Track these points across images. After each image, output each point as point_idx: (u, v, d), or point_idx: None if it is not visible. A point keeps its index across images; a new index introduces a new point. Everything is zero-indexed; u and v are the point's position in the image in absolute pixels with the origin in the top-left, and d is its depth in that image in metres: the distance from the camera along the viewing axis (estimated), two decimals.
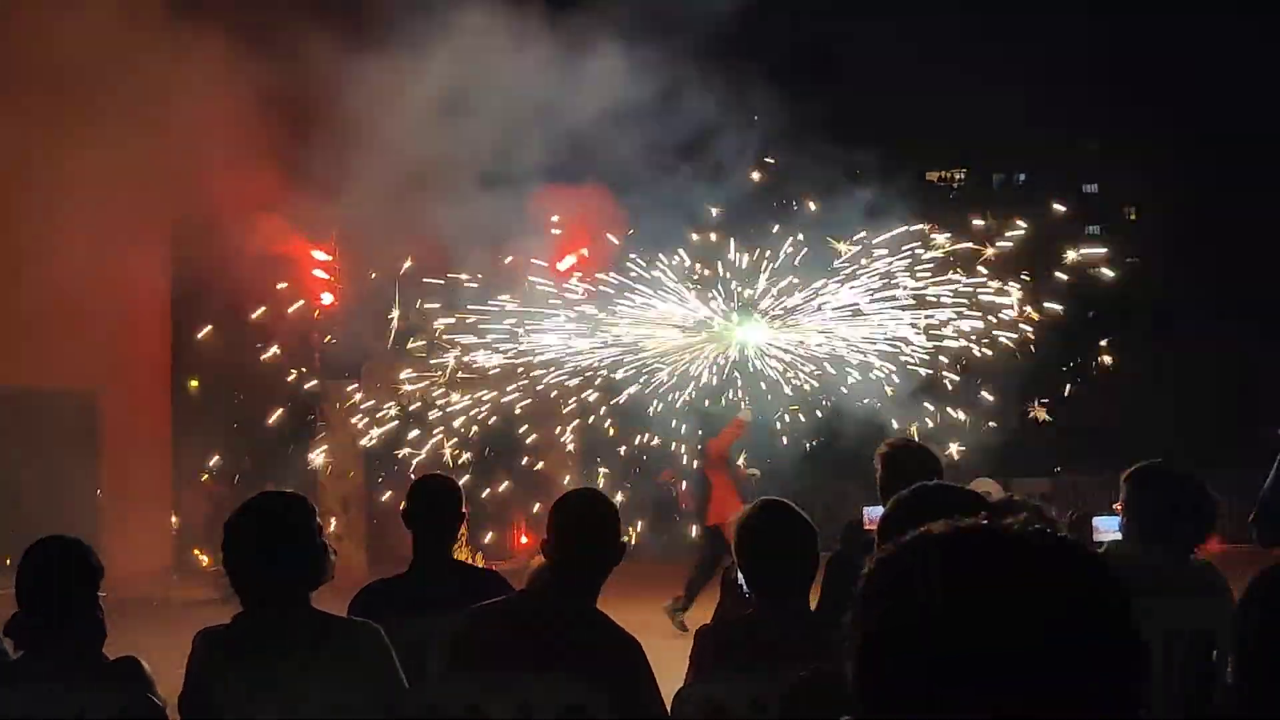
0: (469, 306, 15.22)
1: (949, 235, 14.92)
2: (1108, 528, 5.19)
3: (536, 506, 17.38)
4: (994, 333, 14.82)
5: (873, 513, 5.48)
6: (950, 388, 15.18)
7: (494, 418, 15.98)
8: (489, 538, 17.56)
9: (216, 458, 17.26)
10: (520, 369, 15.45)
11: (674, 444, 16.02)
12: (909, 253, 14.47)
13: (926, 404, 15.13)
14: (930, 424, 14.96)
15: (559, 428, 17.65)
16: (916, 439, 6.09)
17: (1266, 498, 7.08)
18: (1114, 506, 5.17)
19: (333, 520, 16.42)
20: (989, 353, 14.89)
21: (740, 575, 4.27)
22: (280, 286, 16.36)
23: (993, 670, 1.26)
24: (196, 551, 17.92)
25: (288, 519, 4.05)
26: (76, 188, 14.75)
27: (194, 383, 20.43)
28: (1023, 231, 15.20)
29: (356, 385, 17.20)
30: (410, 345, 16.38)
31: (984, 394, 15.85)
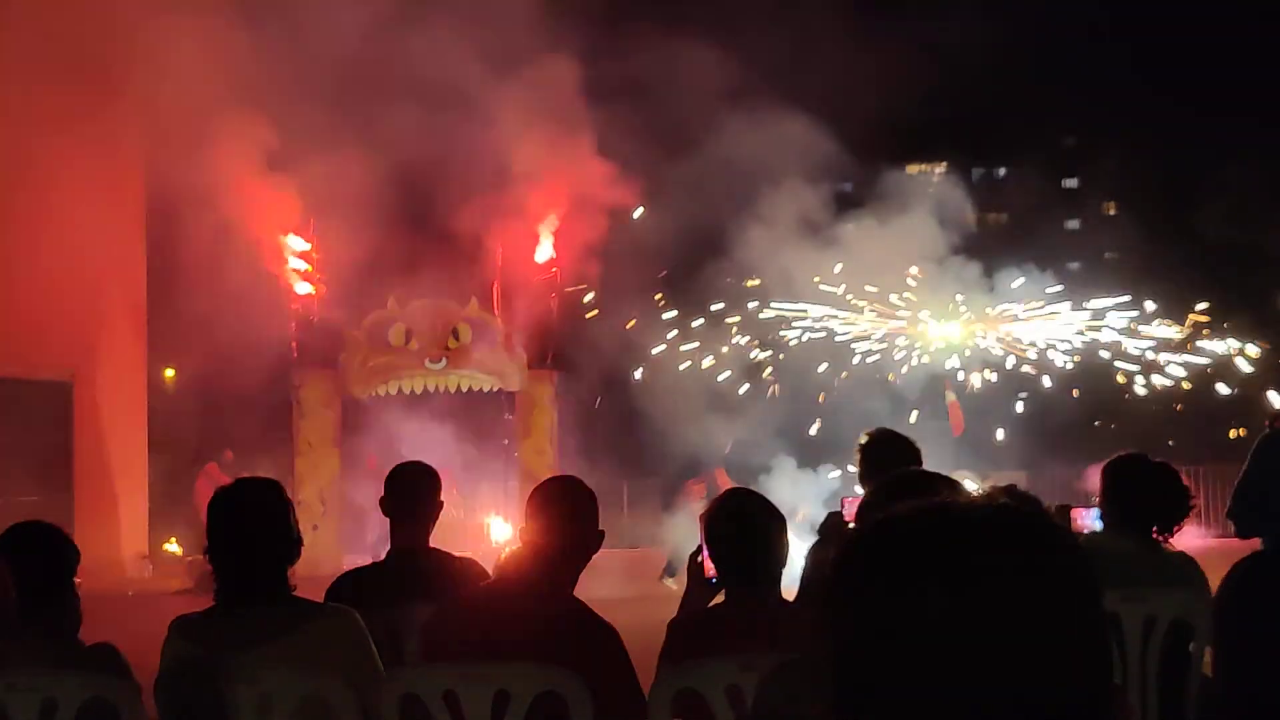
0: None
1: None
2: (1089, 519, 5.20)
3: None
4: None
5: (854, 504, 5.47)
6: None
7: None
8: None
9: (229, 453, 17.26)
10: None
11: None
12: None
13: None
14: None
15: None
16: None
17: (1242, 490, 7.14)
18: (1092, 499, 5.20)
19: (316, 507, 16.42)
20: None
21: (706, 562, 4.28)
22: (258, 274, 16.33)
23: (951, 659, 1.22)
24: (174, 540, 17.86)
25: (264, 504, 4.08)
26: (47, 175, 14.65)
27: (169, 372, 20.35)
28: None
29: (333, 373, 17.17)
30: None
31: None
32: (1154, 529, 4.89)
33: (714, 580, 4.28)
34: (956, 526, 1.29)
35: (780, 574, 4.15)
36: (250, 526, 4.04)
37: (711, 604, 4.38)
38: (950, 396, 14.46)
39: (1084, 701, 1.25)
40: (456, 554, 5.32)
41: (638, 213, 16.67)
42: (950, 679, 1.22)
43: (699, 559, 4.35)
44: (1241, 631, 3.44)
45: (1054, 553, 1.29)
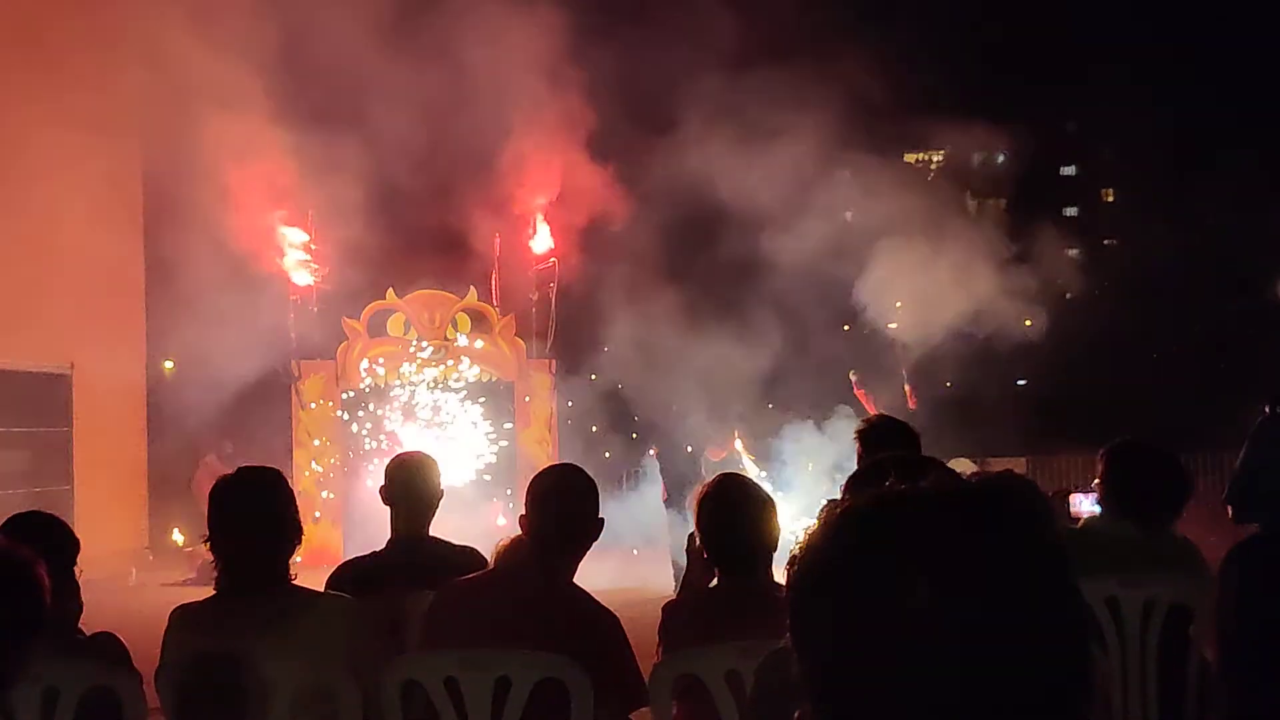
0: None
1: None
2: (1086, 504, 5.21)
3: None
4: None
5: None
6: None
7: None
8: None
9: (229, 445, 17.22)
10: None
11: None
12: None
13: None
14: None
15: None
16: None
17: (1239, 476, 7.14)
18: (1093, 483, 5.19)
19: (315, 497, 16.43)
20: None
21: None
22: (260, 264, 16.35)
23: (921, 643, 1.21)
24: (177, 530, 17.86)
25: (266, 492, 4.10)
26: (44, 163, 14.64)
27: (169, 364, 20.34)
28: None
29: (333, 364, 17.17)
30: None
31: None
32: (1158, 513, 4.88)
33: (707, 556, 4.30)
34: (919, 511, 1.28)
35: (771, 557, 4.16)
36: (251, 515, 4.05)
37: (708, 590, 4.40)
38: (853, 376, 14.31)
39: (1062, 680, 1.25)
40: (456, 542, 5.33)
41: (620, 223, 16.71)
42: (921, 664, 1.21)
43: (697, 540, 4.36)
44: (1241, 615, 3.45)
45: (1024, 532, 1.27)
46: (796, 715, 1.31)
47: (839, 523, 1.31)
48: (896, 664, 1.22)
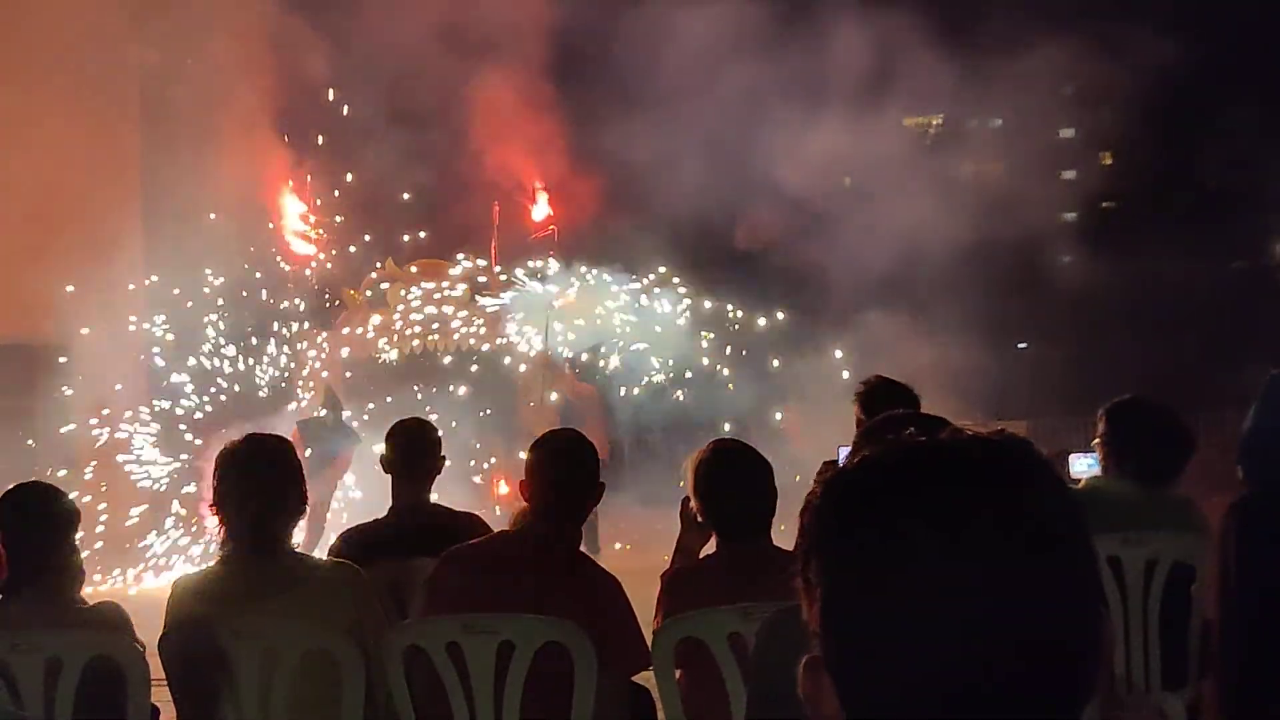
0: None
1: None
2: (1083, 465, 5.20)
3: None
4: None
5: (847, 453, 5.46)
6: None
7: None
8: None
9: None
10: None
11: None
12: None
13: None
14: None
15: None
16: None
17: (1247, 436, 7.10)
18: (1092, 443, 5.18)
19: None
20: None
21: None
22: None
23: (939, 599, 1.19)
24: (175, 502, 17.86)
25: (273, 459, 4.11)
26: (43, 134, 14.58)
27: (169, 336, 20.30)
28: None
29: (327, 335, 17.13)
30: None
31: None
32: (1159, 472, 4.87)
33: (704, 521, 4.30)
34: (940, 463, 1.26)
35: (770, 522, 4.16)
36: (257, 481, 4.05)
37: (705, 553, 4.40)
38: None
39: (1076, 636, 1.24)
40: (458, 509, 5.34)
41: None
42: (939, 619, 1.19)
43: (691, 505, 4.35)
44: (1241, 572, 3.45)
45: (1041, 487, 1.26)
46: (803, 662, 1.30)
47: (857, 469, 1.30)
48: (907, 617, 1.20)
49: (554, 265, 16.39)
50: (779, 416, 15.47)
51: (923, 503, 1.23)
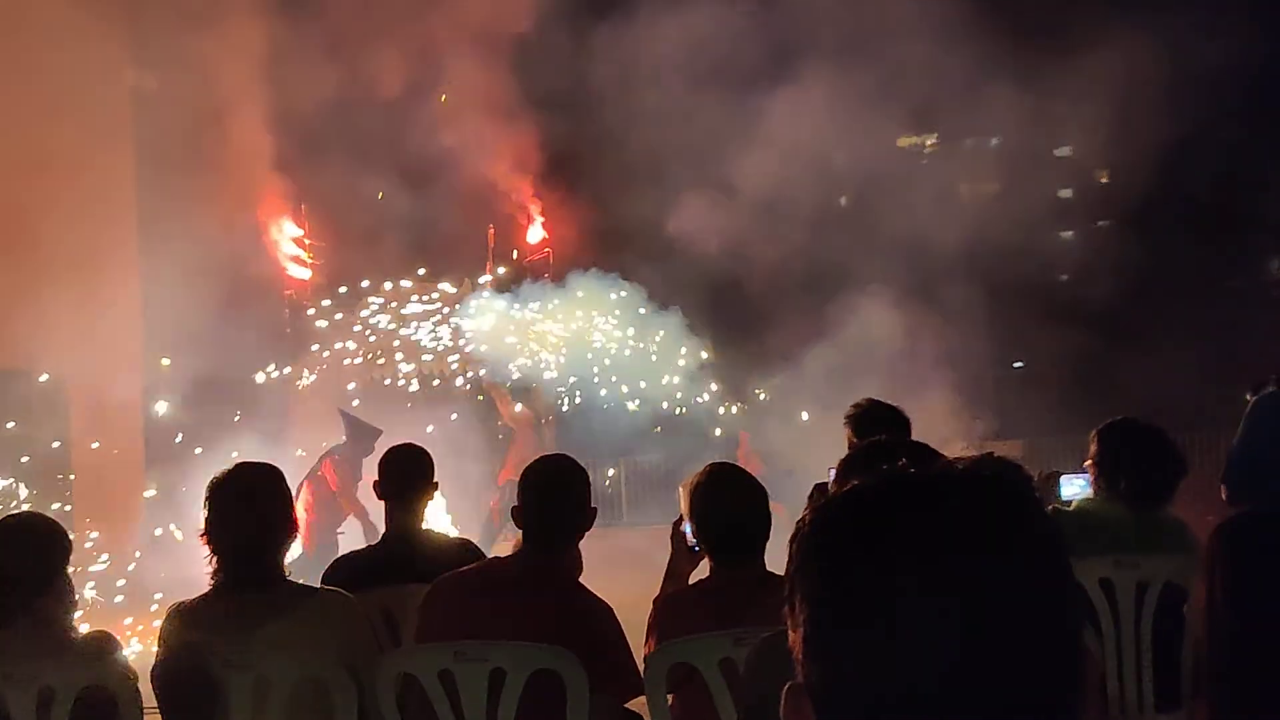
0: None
1: None
2: (1074, 486, 5.20)
3: None
4: None
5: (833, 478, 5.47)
6: None
7: None
8: None
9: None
10: None
11: None
12: None
13: None
14: None
15: None
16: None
17: (1235, 456, 7.13)
18: (1084, 465, 5.19)
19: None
20: None
21: (689, 531, 4.29)
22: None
23: (921, 631, 1.20)
24: (173, 527, 17.84)
25: (263, 488, 4.11)
26: (37, 163, 14.60)
27: (165, 361, 20.29)
28: None
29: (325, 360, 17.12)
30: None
31: None
32: (1150, 494, 4.88)
33: (696, 548, 4.30)
34: (923, 495, 1.27)
35: (764, 546, 4.16)
36: (248, 510, 4.05)
37: (697, 578, 4.40)
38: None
39: (1056, 668, 1.24)
40: (451, 535, 5.34)
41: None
42: (918, 651, 1.20)
43: (682, 528, 4.35)
44: (1231, 593, 3.45)
45: (1026, 521, 1.27)
46: (787, 687, 1.31)
47: (841, 501, 1.31)
48: (886, 648, 1.21)
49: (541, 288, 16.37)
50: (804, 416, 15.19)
51: (903, 535, 1.24)
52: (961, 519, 1.25)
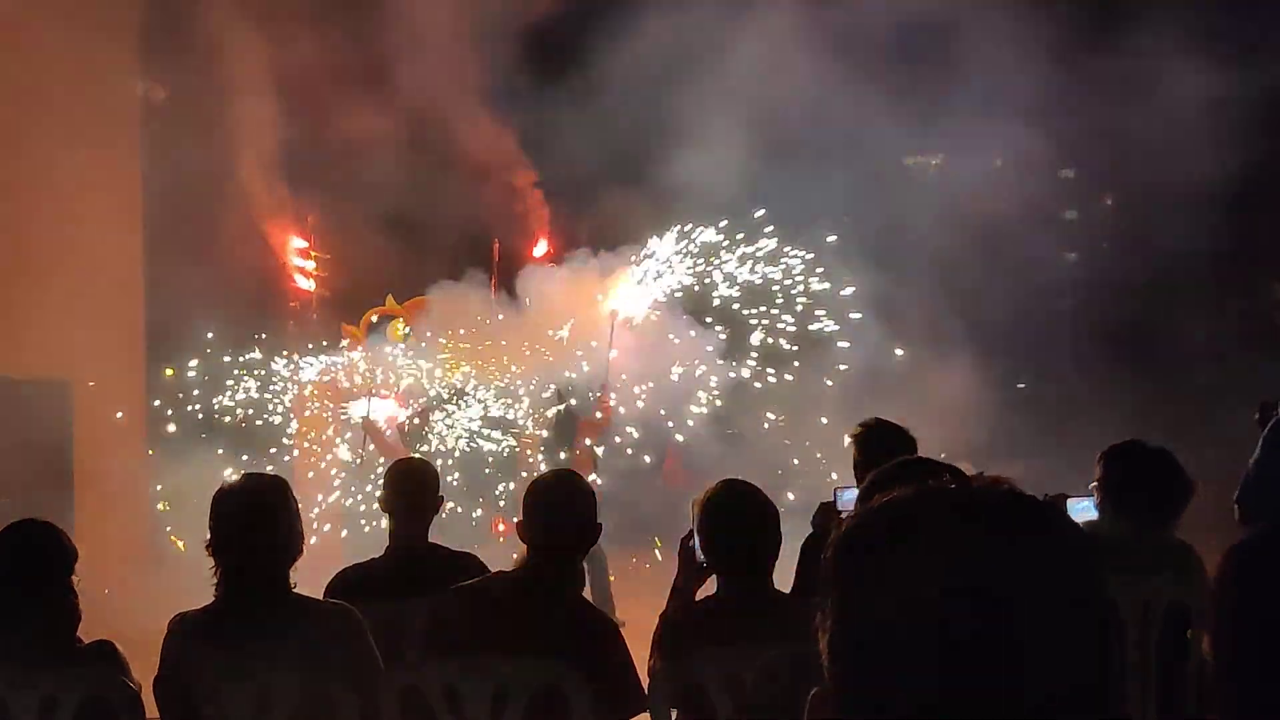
0: None
1: None
2: (1081, 508, 5.19)
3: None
4: None
5: (845, 495, 5.47)
6: None
7: None
8: None
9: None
10: None
11: None
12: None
13: None
14: None
15: None
16: None
17: (1251, 477, 7.10)
18: (1090, 487, 5.18)
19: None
20: None
21: (697, 547, 4.27)
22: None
23: (958, 642, 1.22)
24: (174, 539, 17.83)
25: (267, 498, 4.09)
26: (42, 170, 14.64)
27: (169, 371, 20.30)
28: None
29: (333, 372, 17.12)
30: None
31: None
32: (1156, 515, 4.87)
33: (704, 565, 4.28)
34: (964, 508, 1.30)
35: (772, 563, 4.15)
36: (253, 523, 4.04)
37: (705, 594, 4.39)
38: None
39: (1092, 684, 1.26)
40: (456, 549, 5.33)
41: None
42: (957, 663, 1.22)
43: (690, 544, 4.34)
44: (1240, 614, 3.44)
45: (1062, 536, 1.30)
46: (812, 693, 1.32)
47: (881, 511, 1.33)
48: (923, 656, 1.23)
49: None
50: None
51: (934, 545, 1.27)
52: (1000, 533, 1.28)
